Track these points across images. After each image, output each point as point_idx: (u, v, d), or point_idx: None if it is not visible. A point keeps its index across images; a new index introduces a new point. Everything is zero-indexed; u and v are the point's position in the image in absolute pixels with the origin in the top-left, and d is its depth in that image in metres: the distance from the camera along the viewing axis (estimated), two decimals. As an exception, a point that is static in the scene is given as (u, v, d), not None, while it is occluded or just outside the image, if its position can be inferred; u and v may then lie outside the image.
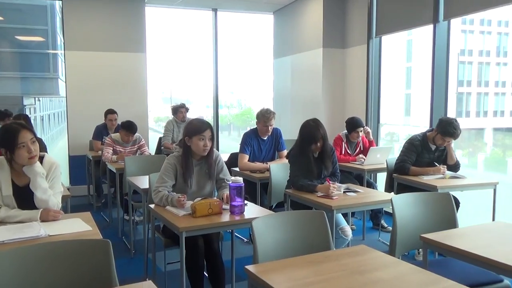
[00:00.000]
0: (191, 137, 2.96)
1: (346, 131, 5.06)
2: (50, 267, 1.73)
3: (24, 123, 2.61)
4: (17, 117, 5.39)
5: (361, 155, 4.96)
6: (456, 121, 3.91)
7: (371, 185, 4.79)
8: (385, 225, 4.92)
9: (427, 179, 3.81)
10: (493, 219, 3.65)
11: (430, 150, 4.07)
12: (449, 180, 3.82)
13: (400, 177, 4.01)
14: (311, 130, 3.45)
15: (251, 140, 4.50)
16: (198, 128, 2.96)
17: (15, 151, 2.40)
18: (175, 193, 2.88)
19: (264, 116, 4.43)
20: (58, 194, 2.60)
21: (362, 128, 4.99)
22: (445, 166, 3.97)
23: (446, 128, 3.87)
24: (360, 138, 5.09)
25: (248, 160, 4.44)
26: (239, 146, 4.59)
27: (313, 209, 3.08)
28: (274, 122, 4.50)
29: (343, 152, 5.01)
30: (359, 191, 3.38)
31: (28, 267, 1.70)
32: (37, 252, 1.74)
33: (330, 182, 3.26)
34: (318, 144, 3.44)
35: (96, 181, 6.00)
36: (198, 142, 2.95)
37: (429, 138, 4.06)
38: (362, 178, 4.64)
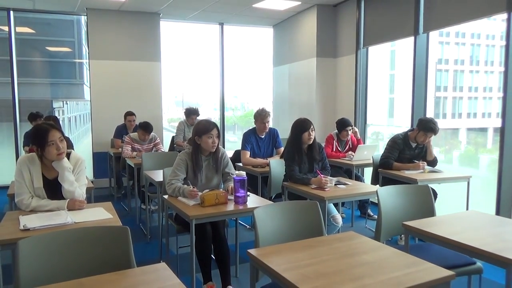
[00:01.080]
0: (200, 136, 2.96)
1: (336, 130, 5.04)
2: (76, 250, 1.73)
3: (53, 123, 2.60)
4: (47, 118, 5.38)
5: (350, 152, 4.95)
6: (433, 119, 3.91)
7: (359, 178, 4.78)
8: (371, 213, 4.90)
9: (408, 173, 3.80)
10: (467, 209, 3.64)
11: (411, 147, 4.05)
12: (428, 174, 3.80)
13: (385, 171, 4.00)
14: (302, 121, 3.50)
15: (250, 138, 4.51)
16: (206, 127, 2.96)
17: (46, 148, 2.41)
18: (186, 186, 2.88)
19: (261, 115, 4.46)
20: (83, 186, 2.60)
21: (350, 127, 4.97)
22: (425, 162, 3.96)
23: (427, 125, 3.87)
24: (349, 137, 5.07)
25: (249, 156, 4.45)
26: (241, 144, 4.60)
27: (307, 199, 3.07)
28: (270, 119, 4.53)
29: (334, 149, 5.00)
30: (348, 184, 3.37)
31: (56, 250, 1.69)
32: (64, 237, 1.74)
33: (321, 175, 3.25)
34: (311, 133, 3.44)
35: (117, 175, 5.99)
36: (207, 140, 2.95)
37: (410, 137, 4.04)
38: (351, 172, 4.63)
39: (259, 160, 4.37)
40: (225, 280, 2.88)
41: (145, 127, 5.18)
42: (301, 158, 3.46)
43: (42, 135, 2.40)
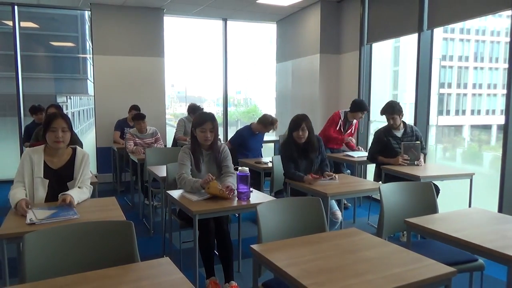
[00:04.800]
0: (196, 129, 3.00)
1: (348, 109, 4.98)
2: (81, 244, 1.75)
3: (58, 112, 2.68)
4: (50, 106, 5.26)
5: (350, 138, 4.96)
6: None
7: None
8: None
9: (410, 169, 3.80)
10: (470, 206, 3.64)
11: (396, 137, 4.08)
12: (430, 171, 3.81)
13: (387, 168, 3.99)
14: (294, 120, 3.50)
15: (242, 137, 4.78)
16: (199, 121, 3.00)
17: (48, 132, 2.52)
18: (198, 179, 2.88)
19: (267, 127, 4.73)
20: (87, 179, 2.66)
21: (366, 112, 4.96)
22: (405, 156, 3.92)
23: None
24: (356, 122, 5.09)
25: (244, 150, 4.73)
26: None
27: (309, 195, 3.08)
28: None
29: (337, 128, 4.96)
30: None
31: (61, 244, 1.71)
32: (70, 231, 1.76)
33: (313, 176, 3.23)
34: (300, 132, 3.41)
35: (120, 170, 6.02)
36: (200, 133, 2.99)
37: (393, 127, 4.09)
38: (353, 169, 4.65)
39: None
40: (228, 275, 2.90)
41: (137, 116, 5.33)
42: (295, 155, 3.46)
43: (49, 120, 2.54)
